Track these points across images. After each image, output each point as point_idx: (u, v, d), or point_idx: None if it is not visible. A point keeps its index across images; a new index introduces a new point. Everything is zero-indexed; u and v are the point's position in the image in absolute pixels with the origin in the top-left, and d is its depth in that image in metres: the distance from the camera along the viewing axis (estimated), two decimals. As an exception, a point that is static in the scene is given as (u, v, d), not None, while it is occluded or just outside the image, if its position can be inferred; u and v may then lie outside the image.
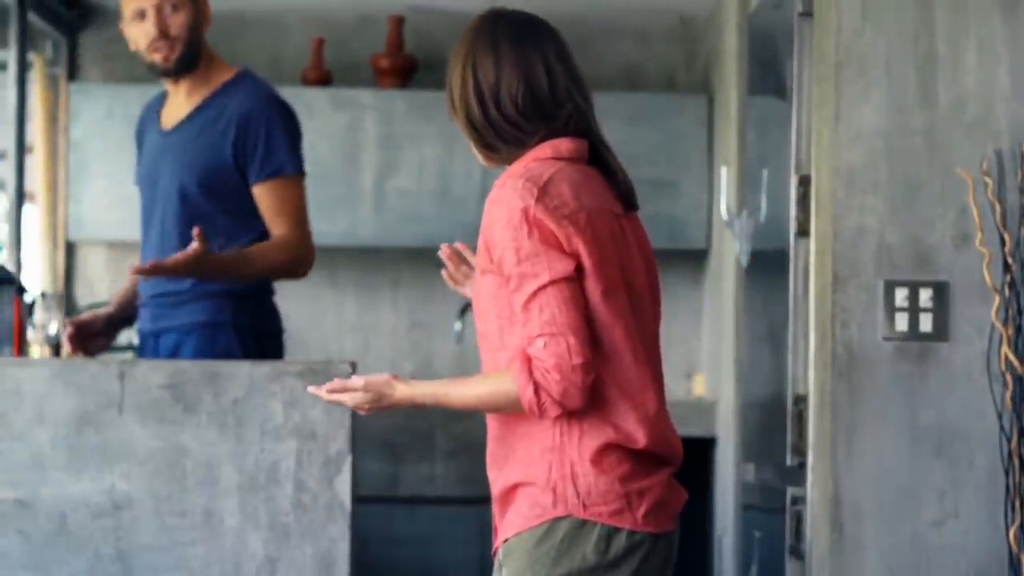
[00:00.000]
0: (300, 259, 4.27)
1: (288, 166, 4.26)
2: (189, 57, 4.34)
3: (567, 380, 2.60)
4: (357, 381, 2.75)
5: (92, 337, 4.37)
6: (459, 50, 2.80)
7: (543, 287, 2.62)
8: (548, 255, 2.64)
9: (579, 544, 2.63)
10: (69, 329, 4.30)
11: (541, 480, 2.66)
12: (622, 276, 2.71)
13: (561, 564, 2.63)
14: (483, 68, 2.76)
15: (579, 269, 2.65)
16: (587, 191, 2.71)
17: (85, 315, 4.43)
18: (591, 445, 2.65)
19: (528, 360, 2.62)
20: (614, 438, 2.66)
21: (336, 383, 2.77)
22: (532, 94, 2.75)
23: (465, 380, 2.72)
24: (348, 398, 2.75)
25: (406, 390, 2.74)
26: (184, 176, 4.32)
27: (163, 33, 4.31)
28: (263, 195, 4.26)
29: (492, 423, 2.78)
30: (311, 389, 2.80)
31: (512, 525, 2.68)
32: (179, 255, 4.01)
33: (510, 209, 2.66)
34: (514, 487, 2.70)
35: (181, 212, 4.31)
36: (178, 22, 4.32)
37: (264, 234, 4.26)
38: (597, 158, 2.80)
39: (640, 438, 2.67)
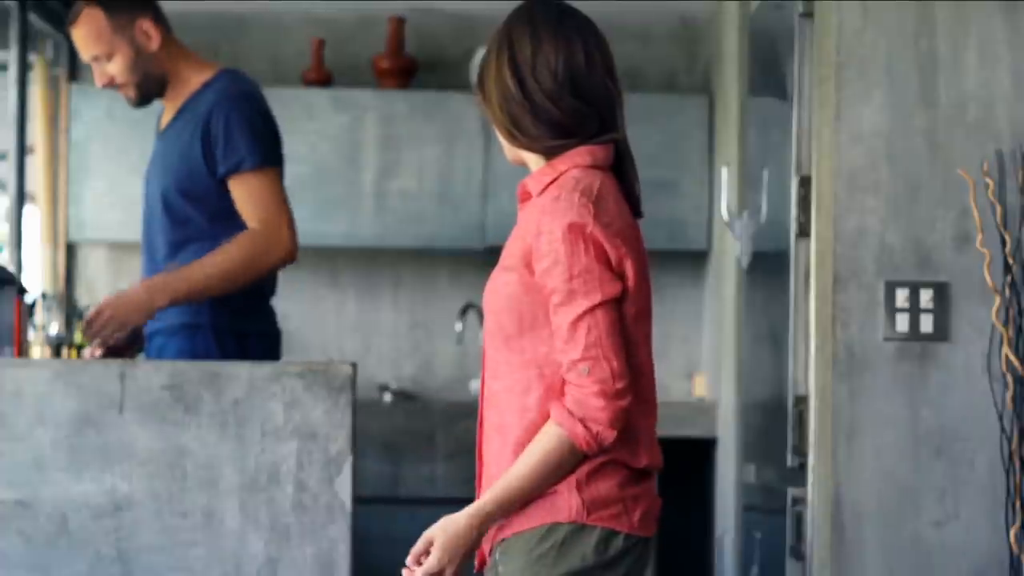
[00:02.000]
0: (261, 251, 4.15)
1: (247, 160, 4.18)
2: (147, 90, 4.35)
3: (612, 404, 2.60)
4: (417, 545, 2.65)
5: (122, 350, 4.31)
6: (493, 38, 2.75)
7: (593, 307, 2.61)
8: (601, 274, 2.62)
9: (579, 545, 2.64)
10: (98, 351, 4.22)
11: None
12: (648, 297, 2.72)
13: (560, 565, 2.64)
14: (520, 44, 2.70)
15: (624, 291, 2.65)
16: (622, 206, 2.71)
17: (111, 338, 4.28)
18: (597, 459, 2.66)
19: (562, 399, 2.62)
20: (622, 455, 2.67)
21: (410, 564, 2.66)
22: (570, 70, 2.69)
23: (515, 473, 2.64)
24: (426, 568, 2.64)
25: (465, 518, 2.64)
26: (164, 181, 4.30)
27: (109, 84, 4.34)
28: (233, 192, 4.22)
29: (491, 432, 2.75)
30: None
31: (511, 524, 2.68)
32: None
33: (567, 223, 2.62)
34: None
35: (164, 217, 4.31)
36: (117, 69, 4.32)
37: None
38: (617, 165, 2.78)
39: (642, 458, 2.70)
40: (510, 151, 2.81)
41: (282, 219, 4.20)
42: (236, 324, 4.26)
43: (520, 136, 2.73)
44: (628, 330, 2.66)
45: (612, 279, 2.62)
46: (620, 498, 2.66)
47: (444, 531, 2.64)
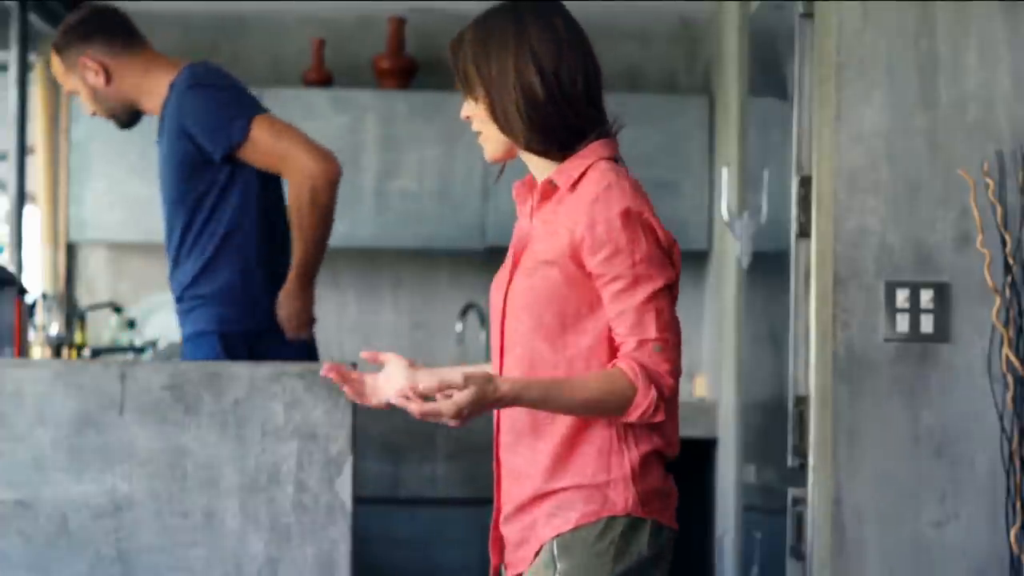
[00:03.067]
0: (312, 187, 4.17)
1: (235, 134, 4.21)
2: (119, 116, 4.43)
3: (669, 389, 2.65)
4: (455, 376, 2.56)
5: None
6: (501, 34, 2.71)
7: (659, 290, 2.64)
8: (661, 260, 2.65)
9: (636, 540, 2.66)
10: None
11: (600, 480, 2.66)
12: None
13: (622, 560, 2.64)
14: (543, 49, 2.70)
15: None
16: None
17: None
18: (643, 449, 2.68)
19: (640, 365, 2.63)
20: (660, 445, 2.71)
21: (431, 382, 2.55)
22: (586, 78, 2.71)
23: (574, 380, 2.63)
24: (448, 405, 2.53)
25: (511, 388, 2.58)
26: (167, 187, 4.36)
27: (92, 114, 4.44)
28: (247, 161, 4.26)
29: (516, 432, 2.72)
30: (397, 401, 2.56)
31: (567, 520, 2.66)
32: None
33: (623, 209, 2.64)
34: (563, 488, 2.67)
35: (168, 220, 4.37)
36: (85, 103, 4.43)
37: (246, 222, 4.29)
38: None
39: (675, 447, 2.74)
40: (499, 149, 2.76)
41: (297, 155, 4.19)
42: (249, 326, 4.29)
43: (538, 140, 2.71)
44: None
45: (668, 264, 2.67)
46: (663, 491, 2.70)
47: (483, 390, 2.54)
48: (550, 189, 2.74)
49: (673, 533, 2.71)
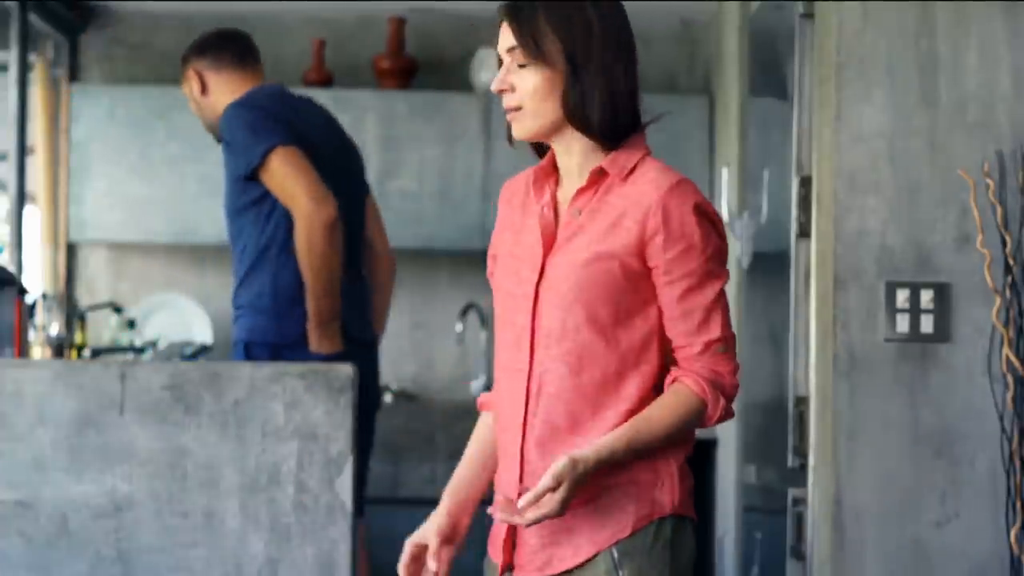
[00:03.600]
0: (304, 238, 4.28)
1: (253, 160, 4.33)
2: (212, 128, 4.60)
3: (737, 384, 2.66)
4: (547, 482, 2.52)
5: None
6: (581, 13, 2.73)
7: (723, 289, 2.63)
8: (725, 256, 2.65)
9: (683, 539, 2.64)
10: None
11: (647, 479, 2.62)
12: None
13: (677, 560, 2.62)
14: (625, 38, 2.81)
15: None
16: None
17: None
18: (685, 448, 2.68)
19: (704, 377, 2.62)
20: (693, 442, 2.72)
21: (534, 513, 2.54)
22: (633, 67, 2.82)
23: (650, 416, 2.60)
24: (555, 506, 2.52)
25: (597, 456, 2.55)
26: (224, 200, 4.56)
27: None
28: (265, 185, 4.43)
29: (583, 421, 2.62)
30: (499, 516, 2.60)
31: (622, 524, 2.61)
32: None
33: (694, 204, 2.60)
34: (610, 486, 2.60)
35: (227, 231, 4.58)
36: (192, 110, 4.68)
37: (279, 235, 4.40)
38: None
39: (692, 443, 2.73)
40: (540, 127, 2.67)
41: (298, 195, 4.29)
42: (278, 337, 4.37)
43: (609, 128, 2.66)
44: None
45: (727, 260, 2.66)
46: (691, 487, 2.69)
47: (575, 470, 2.53)
48: (598, 178, 2.66)
49: (696, 526, 2.72)
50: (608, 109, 2.67)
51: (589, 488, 2.58)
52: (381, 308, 4.81)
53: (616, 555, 2.60)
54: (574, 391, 2.62)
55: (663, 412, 2.60)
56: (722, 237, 2.65)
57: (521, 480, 2.66)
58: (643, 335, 2.62)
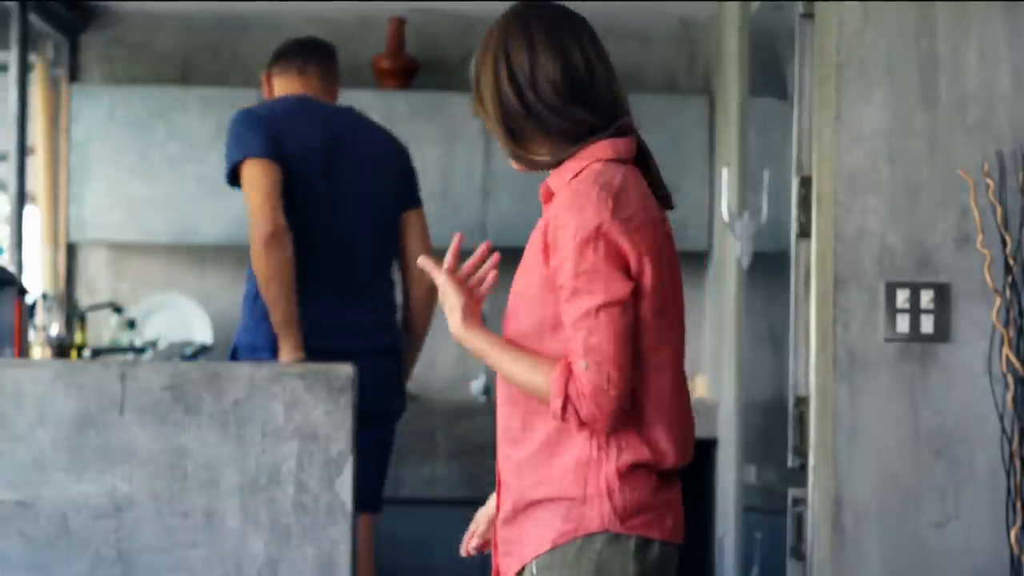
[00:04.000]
0: (252, 247, 4.34)
1: (227, 164, 4.44)
2: None
3: (598, 408, 2.54)
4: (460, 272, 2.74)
5: None
6: (487, 43, 2.70)
7: (597, 308, 2.54)
8: (608, 274, 2.55)
9: (618, 556, 2.57)
10: None
11: (576, 494, 2.59)
12: (673, 292, 2.66)
13: None
14: (516, 53, 2.65)
15: (636, 290, 2.57)
16: (649, 200, 2.65)
17: None
18: (627, 461, 2.59)
19: (569, 372, 2.56)
20: (648, 457, 2.60)
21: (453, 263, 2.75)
22: (570, 77, 2.63)
23: (514, 354, 2.63)
24: (451, 292, 2.74)
25: (476, 325, 2.72)
26: None
27: None
28: None
29: (513, 429, 2.68)
30: (423, 265, 2.78)
31: (544, 539, 2.61)
32: None
33: (583, 219, 2.55)
34: (540, 501, 2.62)
35: None
36: None
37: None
38: (640, 158, 2.73)
39: (671, 458, 2.63)
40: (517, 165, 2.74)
41: (249, 208, 4.36)
42: (246, 339, 4.41)
43: (523, 150, 2.67)
44: (646, 328, 2.60)
45: (622, 279, 2.55)
46: (653, 504, 2.60)
47: (469, 308, 2.73)
48: (548, 193, 2.70)
49: (671, 547, 2.62)
50: (512, 138, 2.68)
51: (526, 504, 2.64)
52: (410, 351, 4.90)
53: (535, 570, 2.61)
54: (506, 398, 2.68)
55: (521, 361, 2.62)
56: (612, 256, 2.56)
57: (496, 482, 2.75)
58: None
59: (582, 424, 2.57)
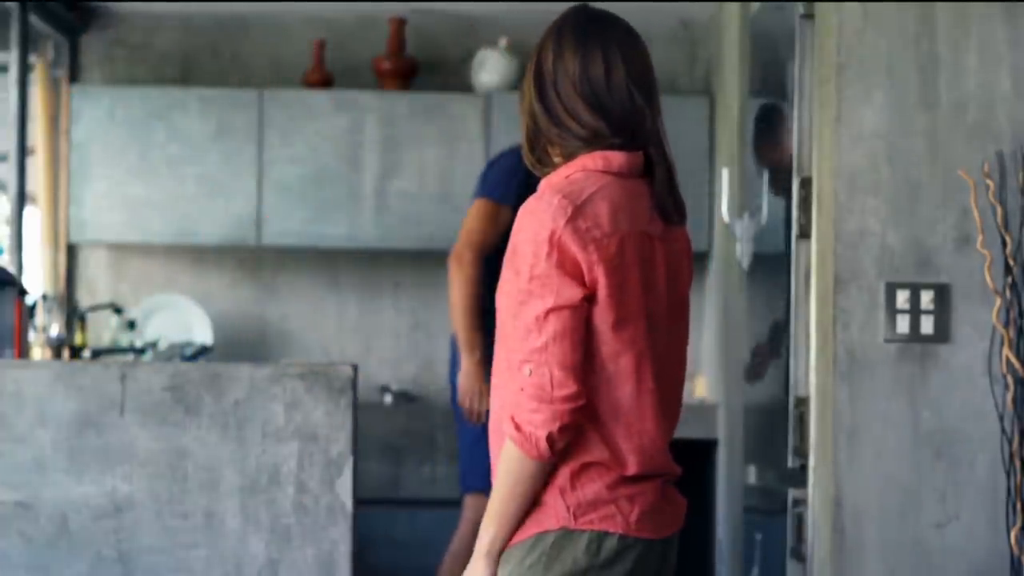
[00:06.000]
0: None
1: None
2: None
3: (547, 409, 2.56)
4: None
5: None
6: (537, 44, 2.77)
7: (547, 312, 2.57)
8: (560, 280, 2.57)
9: (568, 550, 2.61)
10: None
11: (542, 498, 2.64)
12: (643, 303, 2.67)
13: (553, 569, 2.61)
14: (545, 54, 2.71)
15: (591, 298, 2.59)
16: (626, 212, 2.66)
17: None
18: (581, 460, 2.62)
19: (516, 418, 2.60)
20: (606, 458, 2.63)
21: None
22: (589, 80, 2.68)
23: (492, 494, 2.65)
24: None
25: (485, 563, 2.66)
26: None
27: None
28: None
29: (498, 436, 2.72)
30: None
31: (511, 538, 2.66)
32: None
33: (538, 225, 2.59)
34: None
35: None
36: None
37: None
38: (648, 170, 2.75)
39: (631, 465, 2.65)
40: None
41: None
42: None
43: (540, 149, 2.71)
44: (603, 337, 2.61)
45: (572, 285, 2.58)
46: (611, 499, 2.62)
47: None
48: None
49: (634, 540, 2.63)
50: (529, 134, 2.74)
51: None
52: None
53: (500, 564, 2.67)
54: (507, 403, 2.68)
55: (498, 481, 2.63)
56: (562, 263, 2.58)
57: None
58: None
59: (548, 434, 2.57)
